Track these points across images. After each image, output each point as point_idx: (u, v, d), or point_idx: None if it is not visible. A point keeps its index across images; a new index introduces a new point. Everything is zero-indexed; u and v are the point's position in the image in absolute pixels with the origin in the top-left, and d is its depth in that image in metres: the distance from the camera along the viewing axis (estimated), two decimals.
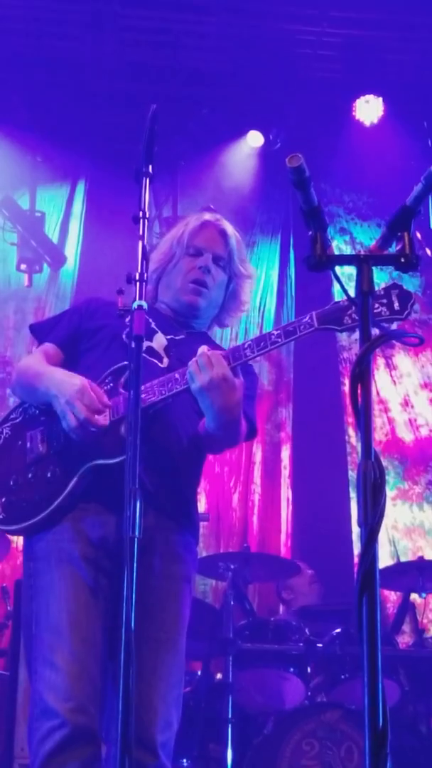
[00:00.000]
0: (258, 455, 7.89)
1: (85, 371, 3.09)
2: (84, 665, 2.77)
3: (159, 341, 3.16)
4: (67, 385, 2.97)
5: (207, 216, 3.37)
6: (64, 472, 2.97)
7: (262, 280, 8.27)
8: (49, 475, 3.00)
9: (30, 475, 3.04)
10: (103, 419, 2.92)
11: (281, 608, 6.71)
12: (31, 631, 2.90)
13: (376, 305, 2.80)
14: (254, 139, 8.01)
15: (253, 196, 8.17)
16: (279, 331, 2.93)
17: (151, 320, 3.15)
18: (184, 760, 5.12)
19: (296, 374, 8.11)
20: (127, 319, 3.14)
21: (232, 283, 3.36)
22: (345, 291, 2.25)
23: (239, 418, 3.00)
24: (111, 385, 3.02)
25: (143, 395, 2.87)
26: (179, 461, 3.08)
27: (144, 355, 3.04)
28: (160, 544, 2.97)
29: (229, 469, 7.80)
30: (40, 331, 3.39)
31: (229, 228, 3.37)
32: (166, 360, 3.14)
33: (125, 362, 3.01)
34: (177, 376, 2.95)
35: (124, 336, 3.15)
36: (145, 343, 3.07)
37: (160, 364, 3.10)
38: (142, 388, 2.87)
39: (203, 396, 2.89)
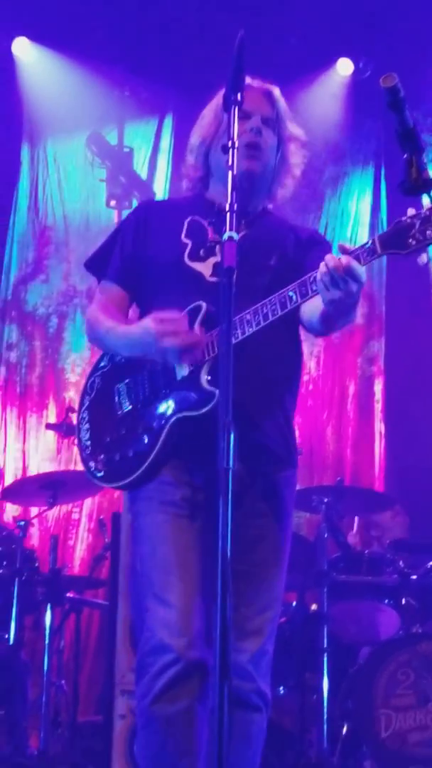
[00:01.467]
0: (351, 389, 7.85)
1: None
2: (194, 601, 2.82)
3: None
4: (142, 336, 2.93)
5: (249, 80, 3.13)
6: (153, 427, 2.97)
7: (353, 212, 8.16)
8: (140, 430, 3.00)
9: (123, 431, 3.05)
10: (186, 336, 2.86)
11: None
12: (137, 569, 2.95)
13: None
14: (344, 67, 7.87)
15: (343, 125, 8.03)
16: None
17: (208, 226, 3.09)
18: (281, 688, 5.21)
19: (388, 307, 8.01)
20: (183, 235, 3.10)
21: (282, 146, 3.21)
22: None
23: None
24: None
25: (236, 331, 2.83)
26: (273, 391, 3.04)
27: (212, 279, 3.00)
28: (258, 479, 2.97)
29: (322, 403, 7.79)
30: (96, 268, 3.31)
31: (276, 90, 3.23)
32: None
33: (199, 302, 2.93)
34: (268, 303, 2.82)
35: (185, 257, 3.07)
36: (212, 260, 3.02)
37: None
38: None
39: (333, 305, 2.69)
